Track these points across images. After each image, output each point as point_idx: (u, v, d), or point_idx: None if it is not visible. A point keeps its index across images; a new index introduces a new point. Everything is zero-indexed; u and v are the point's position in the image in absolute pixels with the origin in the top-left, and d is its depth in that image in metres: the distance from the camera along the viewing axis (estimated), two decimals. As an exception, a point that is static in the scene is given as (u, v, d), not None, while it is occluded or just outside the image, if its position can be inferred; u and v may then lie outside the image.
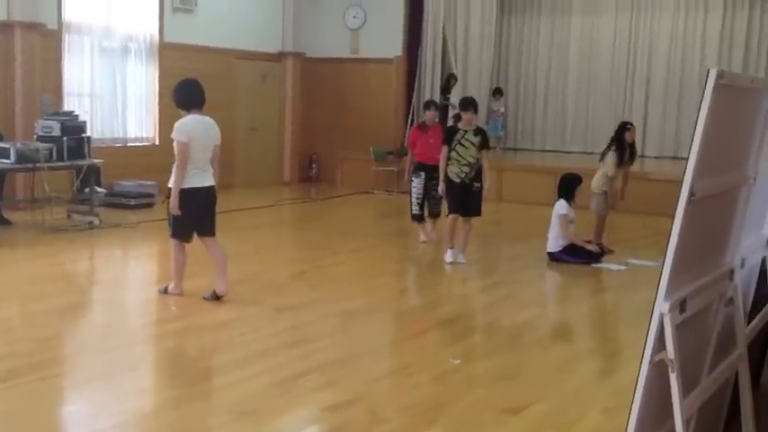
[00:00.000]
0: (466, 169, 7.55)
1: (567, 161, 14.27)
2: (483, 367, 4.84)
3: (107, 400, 4.24)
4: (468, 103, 7.77)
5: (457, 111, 14.94)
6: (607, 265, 7.97)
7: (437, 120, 9.22)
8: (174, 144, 6.00)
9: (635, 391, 2.28)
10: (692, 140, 2.12)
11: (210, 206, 6.17)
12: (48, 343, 5.24)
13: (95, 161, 9.44)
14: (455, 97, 14.95)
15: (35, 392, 4.31)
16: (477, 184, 7.60)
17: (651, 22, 15.26)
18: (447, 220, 7.85)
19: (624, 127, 9.11)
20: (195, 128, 6.05)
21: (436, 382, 4.58)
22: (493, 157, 14.32)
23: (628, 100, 15.49)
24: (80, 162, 9.16)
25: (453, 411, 4.14)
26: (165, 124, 11.75)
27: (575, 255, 8.03)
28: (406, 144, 13.81)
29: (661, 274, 2.21)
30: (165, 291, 6.18)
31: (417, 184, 8.87)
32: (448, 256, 7.71)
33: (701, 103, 2.12)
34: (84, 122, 9.54)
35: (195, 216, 6.07)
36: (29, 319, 5.65)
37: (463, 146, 7.55)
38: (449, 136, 7.69)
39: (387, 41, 13.94)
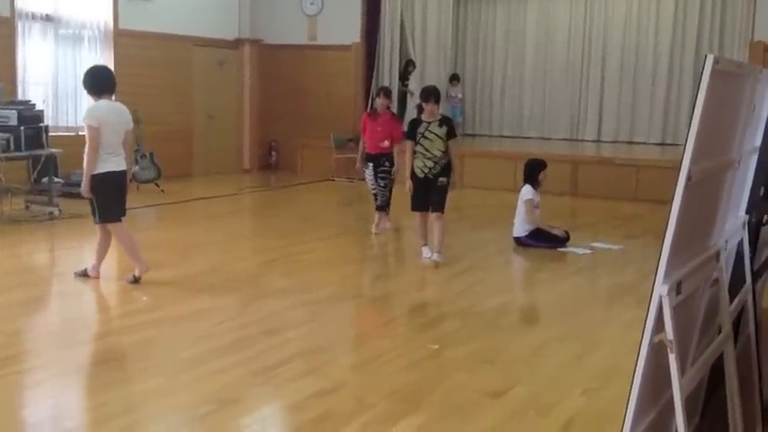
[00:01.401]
0: (430, 163, 7.08)
1: (525, 146, 14.44)
2: (461, 352, 4.89)
3: (88, 392, 4.20)
4: (429, 93, 7.19)
5: (417, 98, 15.09)
6: (572, 249, 8.10)
7: (389, 107, 8.95)
8: (85, 129, 6.08)
9: (634, 372, 2.34)
10: (690, 125, 2.18)
11: (122, 191, 6.41)
12: (17, 337, 5.15)
13: (53, 151, 9.24)
14: (413, 84, 14.99)
15: (12, 387, 4.24)
16: (441, 179, 7.10)
17: (605, 9, 15.50)
18: (415, 218, 7.51)
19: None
20: (106, 113, 6.12)
21: (416, 367, 4.62)
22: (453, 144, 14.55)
23: (583, 85, 15.71)
24: (38, 152, 8.96)
25: (436, 396, 4.19)
26: (123, 112, 11.57)
27: (541, 239, 8.15)
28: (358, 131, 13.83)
29: (659, 256, 2.26)
30: (84, 274, 6.41)
31: (368, 175, 8.78)
32: (424, 253, 7.36)
33: (697, 88, 2.16)
34: (42, 111, 9.34)
35: (113, 198, 6.28)
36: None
37: (428, 138, 7.07)
38: (411, 129, 7.20)
39: (345, 28, 13.89)
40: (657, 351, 2.40)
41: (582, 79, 15.74)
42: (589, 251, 8.05)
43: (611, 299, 6.34)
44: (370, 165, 8.69)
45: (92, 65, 6.76)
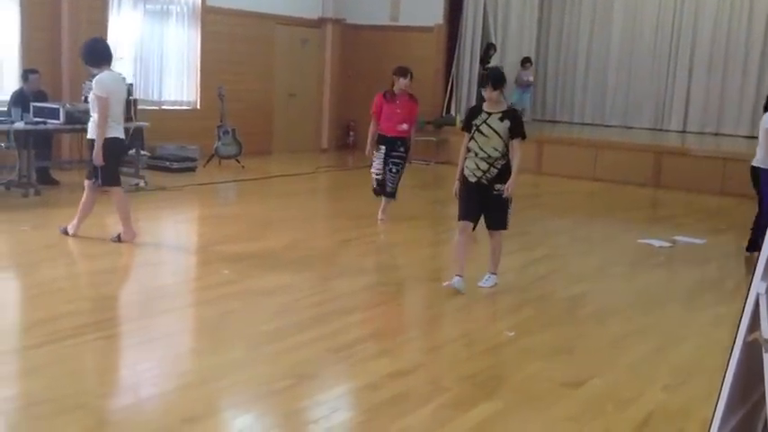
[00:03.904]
0: (483, 165, 5.60)
1: (606, 134, 14.15)
2: (537, 340, 4.85)
3: (171, 360, 4.33)
4: (488, 77, 5.66)
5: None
6: (651, 241, 7.92)
7: (409, 90, 8.21)
8: (93, 99, 6.39)
9: (726, 371, 2.28)
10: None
11: (123, 156, 6.86)
12: (102, 303, 5.34)
13: (141, 124, 9.51)
14: (494, 68, 14.84)
15: (101, 350, 4.41)
16: (498, 186, 5.65)
17: (697, -2, 14.99)
18: (456, 234, 5.95)
19: None
20: (111, 83, 6.44)
21: (491, 353, 4.61)
22: (531, 129, 14.34)
23: (671, 74, 15.27)
24: (127, 124, 9.20)
25: (511, 383, 4.17)
26: (207, 88, 11.83)
27: None
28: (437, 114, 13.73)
29: (759, 254, 2.20)
30: (65, 232, 6.74)
31: (378, 158, 8.13)
32: (454, 283, 5.63)
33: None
34: (131, 85, 9.58)
35: (117, 163, 6.73)
36: (82, 279, 5.74)
37: (482, 133, 5.60)
38: (468, 118, 5.77)
39: (427, 9, 13.81)
40: (750, 349, 2.34)
41: (669, 67, 15.30)
42: (669, 244, 7.86)
43: (693, 294, 6.18)
44: (383, 148, 8.08)
45: (89, 38, 7.06)
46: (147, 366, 4.18)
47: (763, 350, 2.25)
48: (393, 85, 8.14)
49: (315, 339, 4.63)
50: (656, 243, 7.87)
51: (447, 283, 5.64)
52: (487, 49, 14.65)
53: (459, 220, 5.78)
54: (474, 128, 5.63)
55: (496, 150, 5.59)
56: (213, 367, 4.17)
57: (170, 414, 3.59)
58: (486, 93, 5.61)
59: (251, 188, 10.24)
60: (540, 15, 16.08)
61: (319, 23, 13.98)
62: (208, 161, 11.16)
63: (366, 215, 8.24)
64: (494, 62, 14.75)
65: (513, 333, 4.90)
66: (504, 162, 5.62)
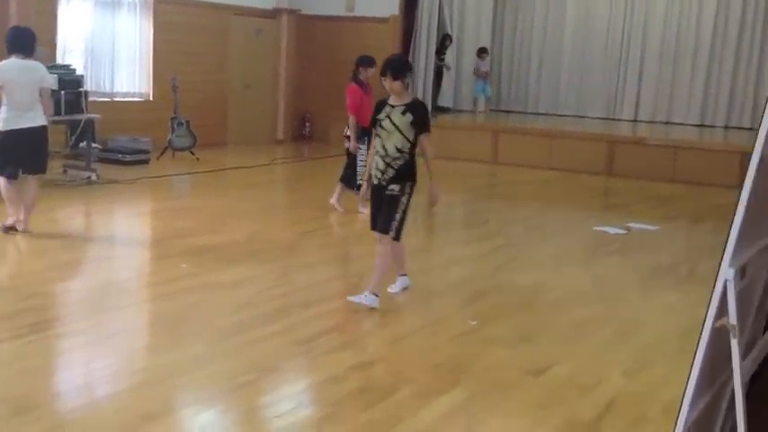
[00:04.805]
0: (381, 164, 4.98)
1: (560, 124, 14.29)
2: (499, 329, 4.87)
3: (128, 357, 4.24)
4: (386, 66, 4.98)
5: (453, 73, 14.96)
6: (606, 228, 8.02)
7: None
8: None
9: (694, 357, 2.29)
10: (766, 106, 2.11)
11: (35, 146, 6.51)
12: (56, 300, 5.22)
13: (92, 116, 9.30)
14: (450, 58, 14.88)
15: (55, 349, 4.30)
16: (393, 187, 4.97)
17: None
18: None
19: None
20: (10, 71, 6.31)
21: (455, 343, 4.61)
22: (487, 119, 14.46)
23: (622, 63, 15.45)
24: (77, 116, 9.02)
25: (476, 372, 4.18)
26: (160, 80, 11.62)
27: None
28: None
29: (727, 240, 2.21)
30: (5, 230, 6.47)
31: (363, 152, 7.60)
32: (396, 286, 5.42)
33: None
34: (82, 76, 9.38)
35: (18, 155, 6.39)
36: (33, 276, 5.57)
37: (384, 128, 4.98)
38: (374, 113, 5.13)
39: (383, 0, 13.75)
40: (716, 335, 2.36)
41: (621, 57, 15.47)
42: (623, 231, 7.97)
43: (649, 280, 6.27)
44: (366, 139, 7.46)
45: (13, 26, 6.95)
46: (104, 364, 4.07)
47: (731, 336, 2.27)
48: (355, 76, 8.06)
49: (277, 333, 4.58)
50: (611, 230, 7.97)
51: (391, 289, 5.34)
52: (443, 40, 14.67)
53: (371, 228, 5.22)
54: (378, 123, 5.03)
55: (396, 149, 4.95)
56: (172, 363, 4.09)
57: (129, 412, 3.51)
58: (387, 83, 4.98)
59: (206, 180, 10.10)
60: (496, 6, 16.13)
61: (274, 14, 13.82)
62: (161, 153, 10.97)
63: (325, 206, 8.18)
64: (450, 53, 14.79)
65: (475, 322, 4.91)
66: (402, 162, 4.96)
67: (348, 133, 8.02)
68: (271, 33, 13.84)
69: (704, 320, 2.28)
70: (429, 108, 14.56)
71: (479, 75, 15.18)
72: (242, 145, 13.09)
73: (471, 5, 15.44)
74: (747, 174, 2.17)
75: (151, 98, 11.87)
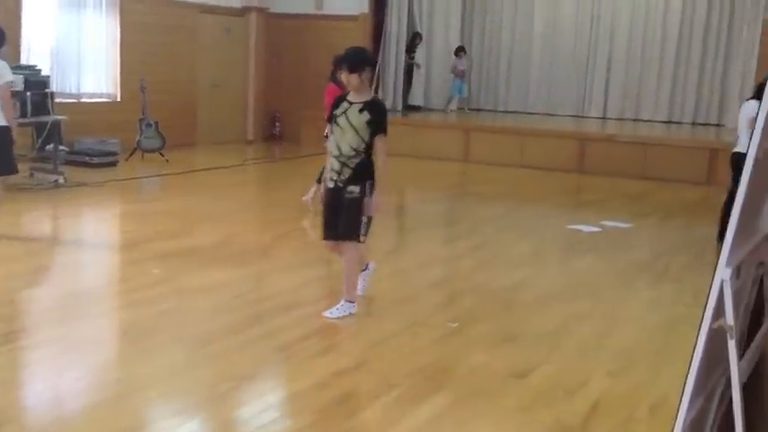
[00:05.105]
0: (336, 165, 4.74)
1: (530, 122, 14.32)
2: (480, 330, 4.83)
3: (103, 367, 4.11)
4: (343, 59, 4.80)
5: (423, 71, 14.91)
6: (580, 226, 8.03)
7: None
8: None
9: (692, 359, 2.26)
10: (762, 103, 2.08)
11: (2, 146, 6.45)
12: (25, 308, 5.07)
13: (58, 117, 9.10)
14: (420, 57, 14.84)
15: (24, 360, 4.16)
16: (351, 189, 4.73)
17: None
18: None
19: None
20: None
21: (437, 345, 4.55)
22: (459, 117, 14.43)
23: (591, 61, 15.53)
24: (44, 118, 8.82)
25: (459, 375, 4.12)
26: (128, 80, 11.42)
27: None
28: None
29: (723, 239, 2.18)
30: None
31: None
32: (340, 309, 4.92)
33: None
34: (48, 77, 9.17)
35: None
36: (0, 284, 5.41)
37: (338, 125, 4.75)
38: (331, 109, 4.89)
39: (352, -2, 13.68)
40: (713, 335, 2.32)
41: (590, 55, 15.55)
42: (597, 229, 7.99)
43: (627, 278, 6.28)
44: None
45: None
46: (76, 376, 3.93)
47: (728, 337, 2.23)
48: (333, 76, 7.92)
49: (255, 339, 4.48)
50: (585, 228, 7.98)
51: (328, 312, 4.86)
52: (413, 38, 14.63)
53: (322, 238, 4.93)
54: (334, 119, 4.79)
55: (351, 148, 4.70)
56: (147, 373, 3.97)
57: (103, 426, 3.40)
58: (343, 77, 4.79)
59: (177, 182, 9.94)
60: (464, 5, 16.12)
61: (243, 12, 13.67)
62: (130, 155, 10.78)
63: (299, 207, 8.08)
64: (420, 51, 14.75)
65: (456, 324, 4.86)
66: (358, 160, 4.70)
67: (327, 133, 7.92)
68: (239, 32, 13.69)
69: (701, 321, 2.24)
70: (400, 107, 14.59)
71: (456, 73, 15.15)
72: (212, 145, 12.93)
73: (440, 4, 15.41)
74: (743, 174, 2.13)
75: (119, 99, 11.66)
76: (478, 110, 16.23)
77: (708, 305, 2.21)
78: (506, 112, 16.08)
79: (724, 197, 7.34)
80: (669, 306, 5.56)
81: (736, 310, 2.32)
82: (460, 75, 15.20)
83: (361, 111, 4.71)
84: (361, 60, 4.74)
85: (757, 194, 2.56)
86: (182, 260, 6.06)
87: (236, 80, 13.77)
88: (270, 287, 5.56)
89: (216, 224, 7.45)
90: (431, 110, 15.24)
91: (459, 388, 3.96)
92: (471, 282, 5.95)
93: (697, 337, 2.25)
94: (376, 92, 13.84)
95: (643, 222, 8.67)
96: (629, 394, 3.97)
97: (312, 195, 8.06)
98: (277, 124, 14.40)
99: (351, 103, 4.76)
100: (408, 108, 14.82)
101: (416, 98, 14.98)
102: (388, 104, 14.07)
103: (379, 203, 4.83)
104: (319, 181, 8.09)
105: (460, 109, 15.46)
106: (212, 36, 13.16)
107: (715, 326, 2.24)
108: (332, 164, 4.78)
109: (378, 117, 4.73)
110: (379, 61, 13.92)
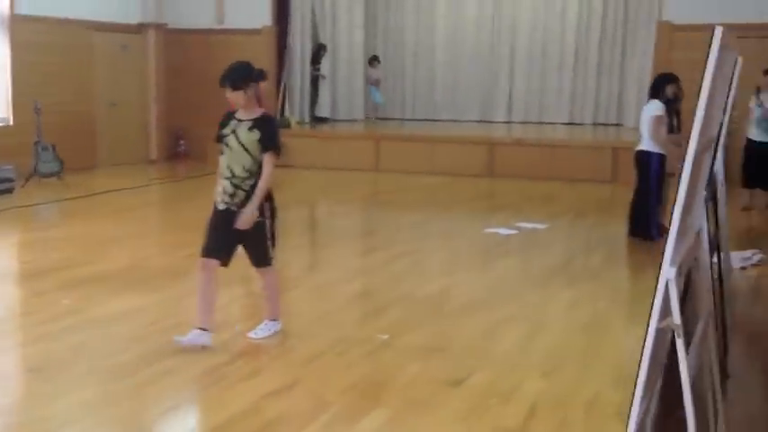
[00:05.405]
0: (229, 188, 4.49)
1: (438, 129, 14.44)
2: (411, 341, 4.75)
3: (9, 410, 3.80)
4: (224, 76, 4.45)
5: (328, 82, 14.82)
6: (497, 229, 8.10)
7: None
8: None
9: (641, 358, 2.24)
10: (699, 101, 2.08)
11: None
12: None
13: (-54, 144, 8.56)
14: (325, 68, 14.76)
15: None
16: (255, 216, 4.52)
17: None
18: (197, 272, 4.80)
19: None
20: None
21: (369, 359, 4.45)
22: (367, 127, 14.41)
23: (493, 67, 15.83)
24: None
25: (394, 389, 4.03)
26: (21, 103, 10.88)
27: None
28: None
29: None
30: None
31: None
32: (191, 338, 4.48)
33: (706, 61, 2.07)
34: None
35: None
36: None
37: (228, 146, 4.49)
38: (219, 128, 4.58)
39: (253, 11, 13.45)
40: (656, 336, 2.32)
41: (491, 61, 15.85)
42: (514, 231, 8.07)
43: (546, 279, 6.34)
44: None
45: None
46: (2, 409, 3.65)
47: (675, 336, 2.23)
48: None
49: (176, 367, 4.26)
50: (503, 231, 8.05)
51: (181, 338, 4.45)
52: (318, 50, 14.56)
53: (201, 255, 4.65)
54: (222, 139, 4.52)
55: (245, 169, 4.44)
56: (60, 413, 3.70)
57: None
58: (228, 95, 4.46)
59: (78, 207, 9.48)
60: (367, 13, 16.13)
61: (139, 29, 13.25)
62: (26, 181, 10.24)
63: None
64: (325, 62, 14.67)
65: (386, 336, 4.78)
66: (253, 182, 4.46)
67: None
68: (137, 49, 13.27)
69: (648, 321, 2.23)
70: (308, 119, 14.46)
71: (371, 82, 15.16)
72: (113, 167, 12.45)
73: (343, 13, 15.38)
74: (683, 174, 2.13)
75: (11, 123, 11.08)
76: (385, 119, 16.28)
77: (654, 305, 2.20)
78: (414, 119, 16.18)
79: (630, 195, 7.55)
80: (590, 304, 5.64)
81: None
82: (375, 84, 15.22)
83: (250, 129, 4.45)
84: (245, 76, 4.47)
85: (693, 194, 2.58)
86: (91, 288, 5.75)
87: (136, 98, 13.34)
88: (186, 311, 5.30)
89: (122, 248, 7.14)
90: (338, 121, 15.17)
91: (397, 401, 3.87)
92: (395, 292, 5.88)
93: (645, 337, 2.23)
94: (283, 105, 13.69)
95: (557, 222, 8.82)
96: (563, 395, 3.97)
97: None
98: (181, 142, 14.01)
99: (240, 121, 4.49)
100: (316, 120, 14.71)
101: (324, 109, 14.89)
102: (295, 117, 13.93)
103: (245, 220, 4.47)
104: None
105: (368, 118, 15.46)
106: (108, 54, 12.70)
107: (662, 325, 2.23)
108: (224, 186, 4.50)
109: (268, 134, 4.48)
110: (285, 73, 13.77)
